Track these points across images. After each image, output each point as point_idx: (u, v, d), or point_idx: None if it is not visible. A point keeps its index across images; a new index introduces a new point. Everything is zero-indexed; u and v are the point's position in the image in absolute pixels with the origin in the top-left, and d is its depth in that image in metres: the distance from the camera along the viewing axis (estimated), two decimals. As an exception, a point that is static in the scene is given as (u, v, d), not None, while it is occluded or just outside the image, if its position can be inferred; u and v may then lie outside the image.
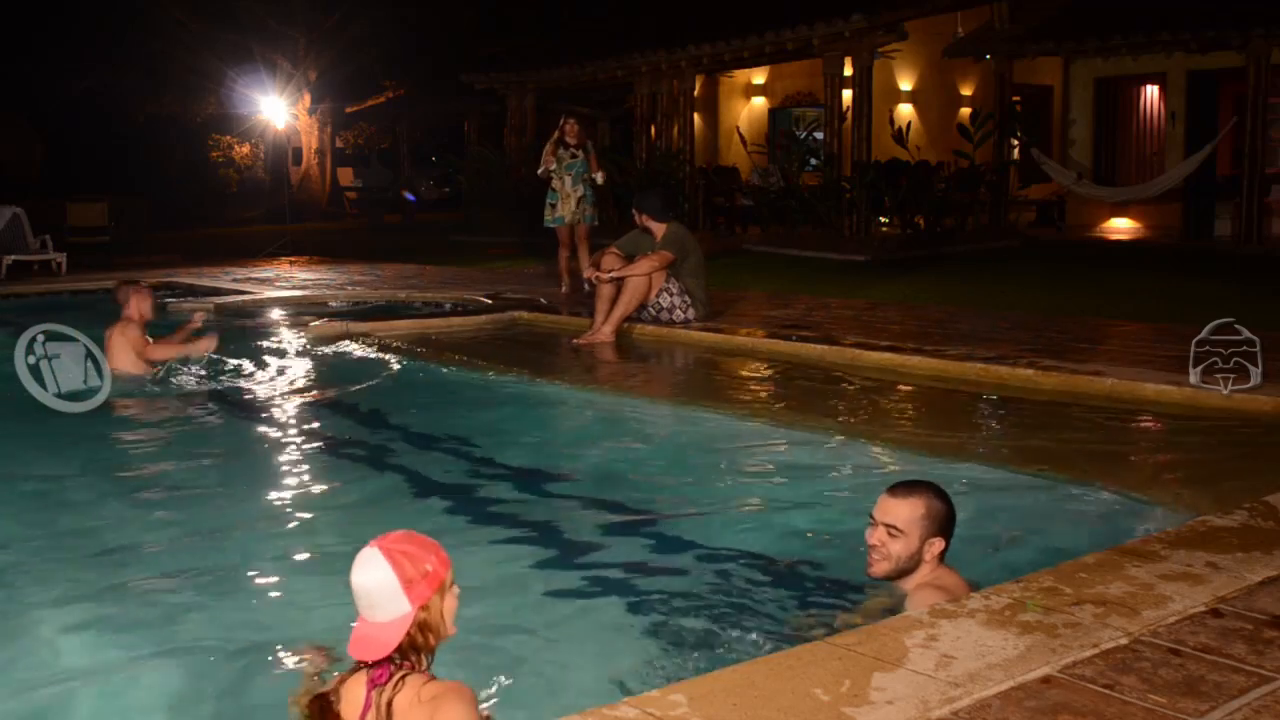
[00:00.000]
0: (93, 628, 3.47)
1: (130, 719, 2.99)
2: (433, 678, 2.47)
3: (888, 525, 3.26)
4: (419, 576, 2.46)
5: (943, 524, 3.27)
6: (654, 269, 8.48)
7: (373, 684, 2.45)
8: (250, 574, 3.96)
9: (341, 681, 2.54)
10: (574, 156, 10.82)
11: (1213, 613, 2.74)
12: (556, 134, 10.88)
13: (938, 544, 3.25)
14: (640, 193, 9.81)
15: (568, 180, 10.78)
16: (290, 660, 3.16)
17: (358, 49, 26.80)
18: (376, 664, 2.46)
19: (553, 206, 10.92)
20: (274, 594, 3.84)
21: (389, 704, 2.41)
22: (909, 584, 3.26)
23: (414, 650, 2.46)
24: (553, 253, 11.46)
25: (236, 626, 3.46)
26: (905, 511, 3.25)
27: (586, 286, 9.40)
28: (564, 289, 10.93)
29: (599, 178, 11.06)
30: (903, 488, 3.35)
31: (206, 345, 7.30)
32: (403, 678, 2.43)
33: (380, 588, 2.42)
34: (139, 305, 7.24)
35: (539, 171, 11.00)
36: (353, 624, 2.43)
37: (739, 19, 16.45)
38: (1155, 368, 6.34)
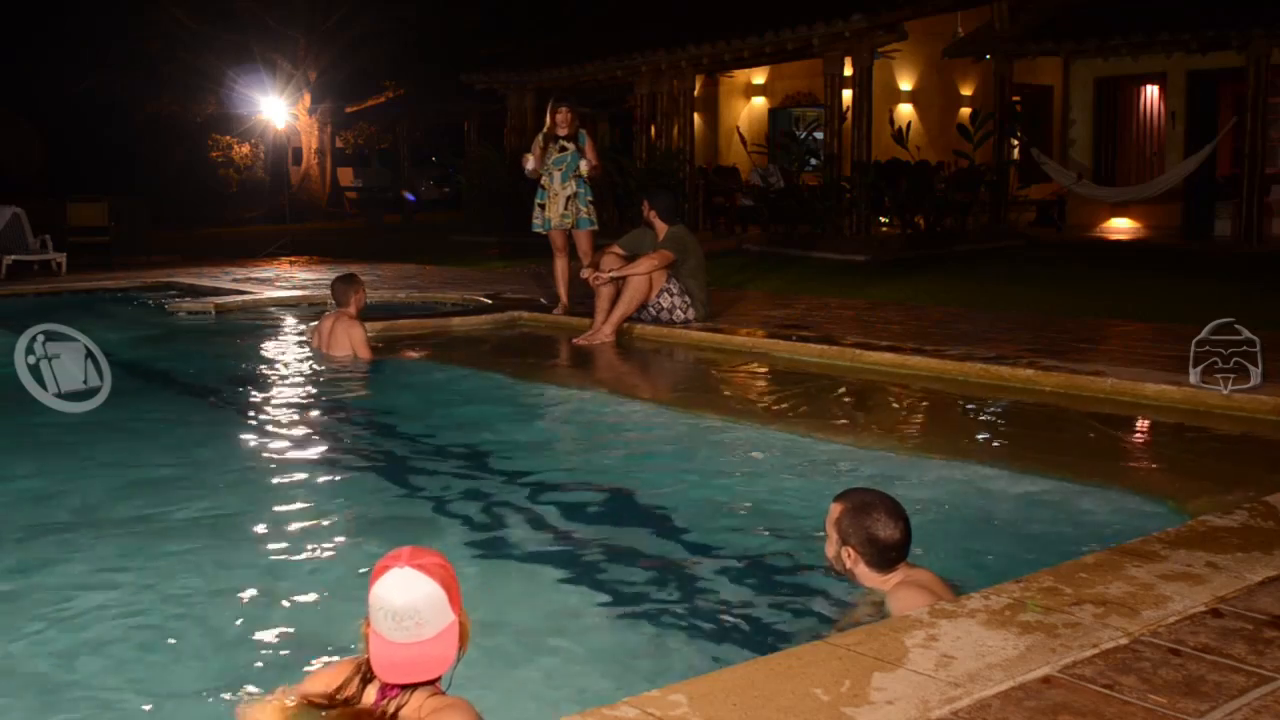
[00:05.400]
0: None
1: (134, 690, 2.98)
2: (438, 692, 2.46)
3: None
4: (452, 582, 2.46)
5: (855, 535, 3.24)
6: (654, 268, 8.48)
7: (383, 695, 2.45)
8: (234, 576, 3.93)
9: (360, 684, 2.53)
10: (562, 150, 9.15)
11: (1213, 613, 2.73)
12: (546, 126, 9.21)
13: (850, 553, 3.26)
14: (654, 189, 9.71)
15: (556, 176, 9.16)
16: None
17: (358, 49, 26.86)
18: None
19: (541, 208, 9.29)
20: (258, 594, 3.82)
21: (395, 711, 2.41)
22: (886, 585, 3.28)
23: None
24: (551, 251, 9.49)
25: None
26: (829, 515, 3.34)
27: (592, 280, 8.55)
28: (560, 308, 9.45)
29: (582, 167, 9.08)
30: (840, 493, 3.41)
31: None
32: (411, 691, 2.43)
33: (431, 601, 2.39)
34: (358, 300, 7.68)
35: (527, 171, 9.30)
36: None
37: (739, 19, 16.45)
38: (1155, 368, 6.33)
